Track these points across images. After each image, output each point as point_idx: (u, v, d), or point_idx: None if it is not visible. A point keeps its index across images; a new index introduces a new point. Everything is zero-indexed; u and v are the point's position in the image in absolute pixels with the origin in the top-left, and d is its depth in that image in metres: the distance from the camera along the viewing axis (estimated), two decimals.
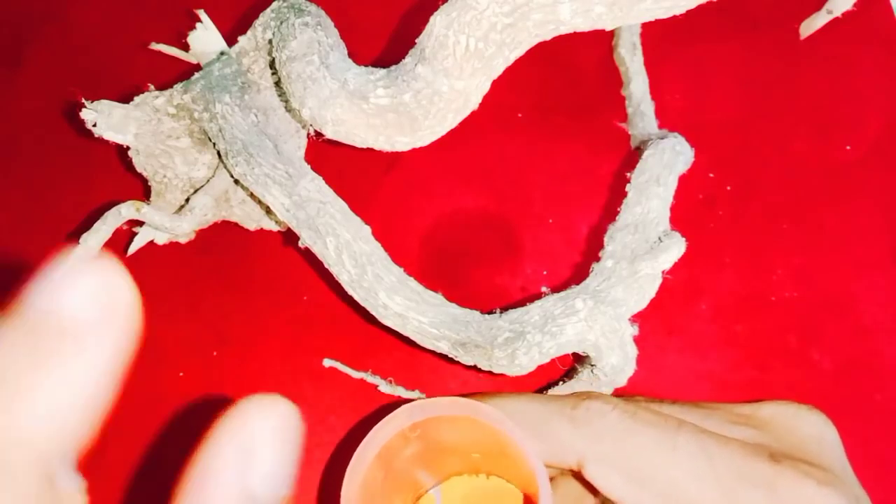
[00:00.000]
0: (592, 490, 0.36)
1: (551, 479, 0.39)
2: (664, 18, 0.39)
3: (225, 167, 0.45)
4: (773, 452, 0.33)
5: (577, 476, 0.36)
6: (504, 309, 0.41)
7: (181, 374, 0.49)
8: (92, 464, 0.48)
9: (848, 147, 0.53)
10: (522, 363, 0.38)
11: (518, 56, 0.40)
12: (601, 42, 0.54)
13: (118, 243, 0.48)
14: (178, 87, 0.46)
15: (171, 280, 0.51)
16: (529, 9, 0.37)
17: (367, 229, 0.42)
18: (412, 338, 0.41)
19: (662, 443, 0.32)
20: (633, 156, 0.50)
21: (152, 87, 0.47)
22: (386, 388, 0.47)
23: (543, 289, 0.41)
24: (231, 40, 0.49)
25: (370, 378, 0.47)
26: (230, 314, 0.51)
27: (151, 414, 0.48)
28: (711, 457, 0.32)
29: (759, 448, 0.33)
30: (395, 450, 0.37)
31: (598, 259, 0.42)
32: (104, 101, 0.45)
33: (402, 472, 0.39)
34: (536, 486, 0.33)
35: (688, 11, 0.39)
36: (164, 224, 0.45)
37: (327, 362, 0.48)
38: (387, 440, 0.36)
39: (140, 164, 0.48)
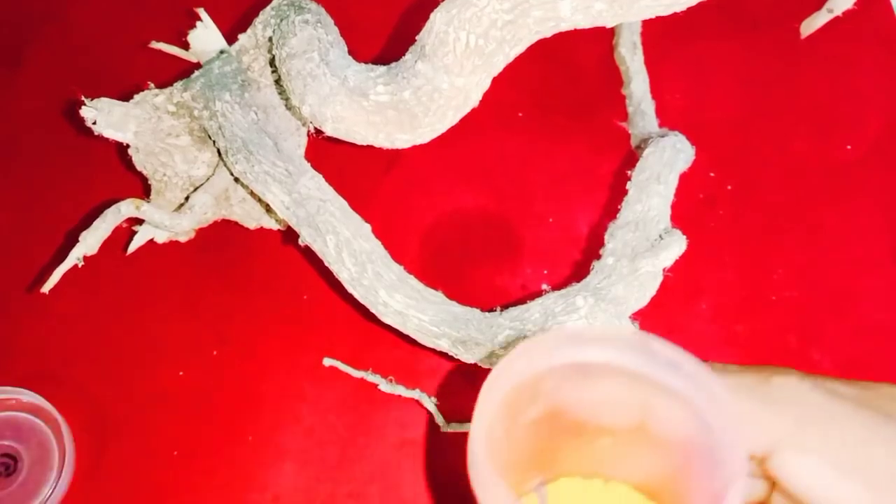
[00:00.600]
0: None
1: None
2: (665, 17, 0.39)
3: (225, 165, 0.45)
4: None
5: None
6: (505, 307, 0.41)
7: (181, 373, 0.49)
8: (92, 463, 0.48)
9: (848, 147, 0.53)
10: None
11: (518, 53, 0.40)
12: (602, 41, 0.54)
13: (118, 242, 0.48)
14: (178, 85, 0.46)
15: (171, 280, 0.51)
16: (530, 5, 0.37)
17: (367, 227, 0.42)
18: (412, 336, 0.41)
19: (878, 433, 0.28)
20: (633, 155, 0.50)
21: (152, 85, 0.47)
22: (386, 387, 0.47)
23: (544, 286, 0.41)
24: (231, 39, 0.49)
25: (370, 377, 0.47)
26: (230, 314, 0.50)
27: (151, 414, 0.48)
28: None
29: None
30: (520, 402, 0.30)
31: (598, 257, 0.42)
32: (104, 99, 0.45)
33: (515, 444, 0.31)
34: (679, 493, 0.28)
35: (688, 10, 0.39)
36: (163, 222, 0.45)
37: (327, 361, 0.48)
38: (522, 378, 0.29)
39: (140, 162, 0.48)
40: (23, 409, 0.48)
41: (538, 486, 0.33)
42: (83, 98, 0.45)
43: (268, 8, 0.46)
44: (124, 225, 0.46)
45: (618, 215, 0.43)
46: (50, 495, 0.45)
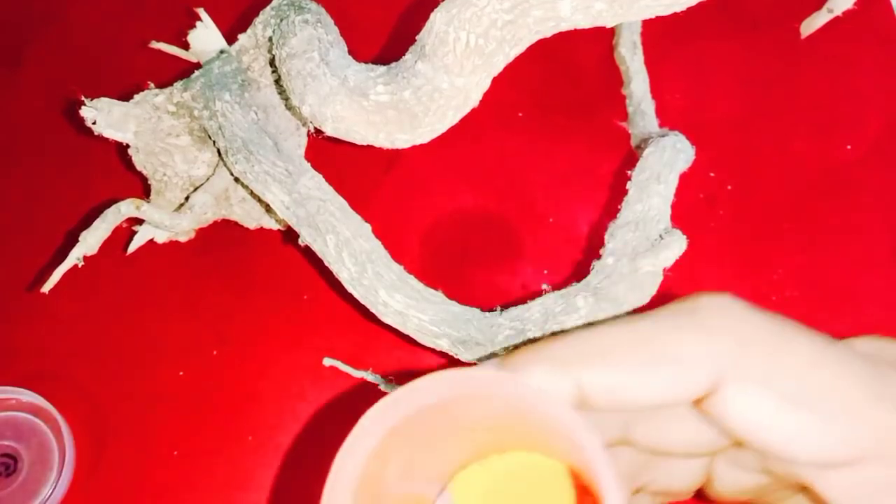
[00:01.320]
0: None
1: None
2: (665, 17, 0.39)
3: (225, 165, 0.45)
4: None
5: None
6: (505, 307, 0.41)
7: (181, 373, 0.49)
8: (92, 463, 0.48)
9: (848, 147, 0.53)
10: None
11: (518, 53, 0.40)
12: (602, 41, 0.54)
13: (118, 242, 0.48)
14: (178, 85, 0.46)
15: (171, 280, 0.51)
16: (529, 5, 0.37)
17: (368, 227, 0.42)
18: (412, 336, 0.41)
19: (826, 356, 0.25)
20: (633, 154, 0.50)
21: (152, 85, 0.47)
22: (386, 387, 0.47)
23: (544, 286, 0.41)
24: (231, 38, 0.49)
25: (370, 377, 0.47)
26: (230, 314, 0.50)
27: (151, 414, 0.48)
28: (882, 374, 0.25)
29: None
30: (374, 474, 0.28)
31: (598, 257, 0.42)
32: (104, 99, 0.45)
33: (392, 497, 0.30)
34: (579, 456, 0.25)
35: (688, 10, 0.39)
36: (163, 222, 0.45)
37: (327, 361, 0.48)
38: (362, 468, 0.27)
39: (140, 162, 0.48)
40: (23, 409, 0.48)
41: (440, 495, 0.32)
42: (83, 98, 0.45)
43: (268, 8, 0.46)
44: (124, 225, 0.46)
45: (618, 215, 0.43)
46: (50, 495, 0.45)
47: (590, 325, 0.34)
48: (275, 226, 0.50)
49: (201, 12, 0.49)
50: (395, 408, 0.26)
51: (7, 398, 0.47)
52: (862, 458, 0.24)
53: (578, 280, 0.41)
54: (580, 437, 0.24)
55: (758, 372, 0.24)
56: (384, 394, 0.46)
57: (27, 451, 0.47)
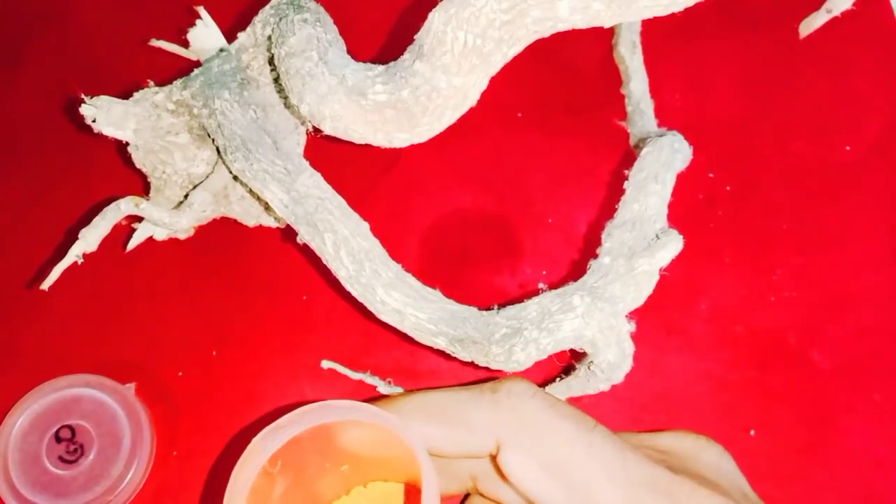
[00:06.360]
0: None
1: (464, 497, 0.39)
2: (664, 17, 0.39)
3: (224, 163, 0.45)
4: (672, 466, 0.34)
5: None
6: (502, 306, 0.41)
7: (181, 373, 0.49)
8: None
9: (848, 147, 0.53)
10: (519, 359, 0.38)
11: (516, 53, 0.40)
12: (601, 40, 0.54)
13: (118, 240, 0.48)
14: (178, 83, 0.46)
15: (171, 279, 0.51)
16: (527, 5, 0.37)
17: (366, 225, 0.42)
18: (410, 334, 0.41)
19: (581, 438, 0.33)
20: (632, 154, 0.50)
21: (152, 83, 0.47)
22: (385, 388, 0.47)
23: (541, 285, 0.41)
24: (231, 37, 0.49)
25: (369, 379, 0.47)
26: (230, 314, 0.50)
27: (152, 414, 0.48)
28: (625, 460, 0.33)
29: (662, 461, 0.34)
30: (262, 494, 0.35)
31: (596, 256, 0.42)
32: (104, 97, 0.46)
33: None
34: (418, 471, 0.32)
35: (687, 10, 0.39)
36: (162, 220, 0.45)
37: (325, 364, 0.48)
38: (251, 484, 0.34)
39: (139, 160, 0.48)
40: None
41: None
42: (83, 96, 0.45)
43: (267, 6, 0.46)
44: (124, 222, 0.46)
45: (615, 215, 0.43)
46: None
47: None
48: (273, 224, 0.50)
49: (201, 10, 0.49)
50: (276, 432, 0.34)
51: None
52: None
53: (576, 279, 0.41)
54: (409, 440, 0.32)
55: (526, 442, 0.33)
56: (383, 395, 0.46)
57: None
